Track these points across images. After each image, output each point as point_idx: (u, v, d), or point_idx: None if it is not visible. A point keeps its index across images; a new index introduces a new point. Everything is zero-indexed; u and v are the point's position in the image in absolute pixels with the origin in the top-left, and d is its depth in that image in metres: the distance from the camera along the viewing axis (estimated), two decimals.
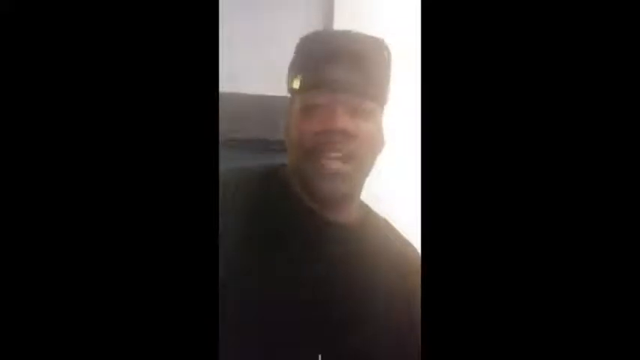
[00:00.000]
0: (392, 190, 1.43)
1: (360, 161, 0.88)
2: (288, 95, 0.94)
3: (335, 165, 0.86)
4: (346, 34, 0.91)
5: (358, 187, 0.93)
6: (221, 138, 0.68)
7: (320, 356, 0.84)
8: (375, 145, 0.90)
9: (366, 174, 0.91)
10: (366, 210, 0.98)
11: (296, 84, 0.89)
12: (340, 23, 1.50)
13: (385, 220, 1.00)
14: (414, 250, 0.98)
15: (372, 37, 0.91)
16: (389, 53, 0.92)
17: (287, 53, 0.93)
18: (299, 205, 0.90)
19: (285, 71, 0.94)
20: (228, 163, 0.86)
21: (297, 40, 0.93)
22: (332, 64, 0.87)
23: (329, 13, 1.56)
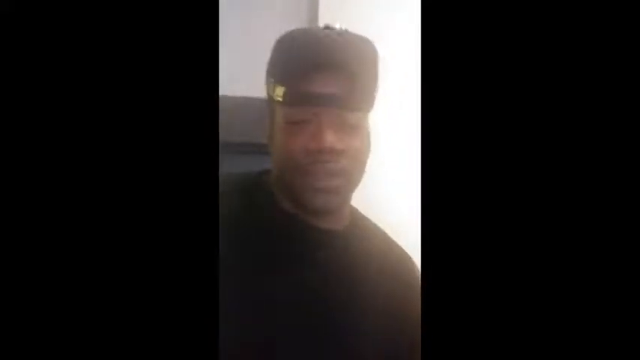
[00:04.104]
0: (391, 194, 1.43)
1: (349, 176, 0.86)
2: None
3: (324, 182, 0.84)
4: (330, 36, 0.85)
5: (348, 198, 0.91)
6: (221, 140, 0.68)
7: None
8: (362, 157, 0.88)
9: (355, 186, 0.89)
10: (356, 214, 0.97)
11: (278, 95, 0.84)
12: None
13: (374, 224, 1.00)
14: (403, 251, 0.99)
15: (359, 37, 0.87)
16: (376, 53, 0.88)
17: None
18: (285, 213, 0.89)
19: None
20: (228, 166, 0.86)
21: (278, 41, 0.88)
22: (317, 74, 0.82)
23: (314, 11, 1.56)
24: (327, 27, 0.88)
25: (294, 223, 0.89)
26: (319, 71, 0.82)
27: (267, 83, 0.87)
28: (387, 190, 1.43)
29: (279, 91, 0.84)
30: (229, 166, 0.89)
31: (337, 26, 0.87)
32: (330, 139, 0.82)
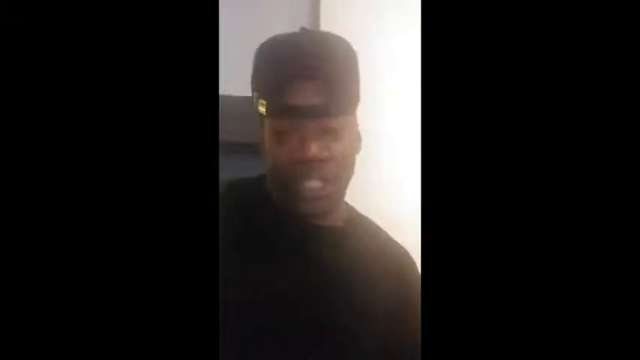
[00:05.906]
0: (391, 194, 1.43)
1: (337, 180, 0.87)
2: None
3: (312, 190, 0.85)
4: (305, 42, 0.86)
5: (339, 199, 0.92)
6: (221, 140, 0.68)
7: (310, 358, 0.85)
8: (349, 160, 0.89)
9: (344, 188, 0.90)
10: (353, 212, 0.98)
11: (261, 108, 0.85)
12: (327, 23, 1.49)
13: (372, 222, 1.00)
14: (402, 249, 0.99)
15: (335, 38, 0.88)
16: (354, 53, 0.88)
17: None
18: (282, 211, 0.90)
19: None
20: (228, 166, 0.86)
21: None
22: (294, 86, 0.83)
23: (316, 12, 1.56)
24: (302, 29, 0.89)
25: (290, 221, 0.90)
26: (297, 82, 0.83)
27: (253, 96, 0.89)
28: (387, 190, 1.42)
29: (262, 105, 0.85)
30: (229, 166, 0.89)
31: (312, 28, 0.89)
32: (314, 149, 0.83)
